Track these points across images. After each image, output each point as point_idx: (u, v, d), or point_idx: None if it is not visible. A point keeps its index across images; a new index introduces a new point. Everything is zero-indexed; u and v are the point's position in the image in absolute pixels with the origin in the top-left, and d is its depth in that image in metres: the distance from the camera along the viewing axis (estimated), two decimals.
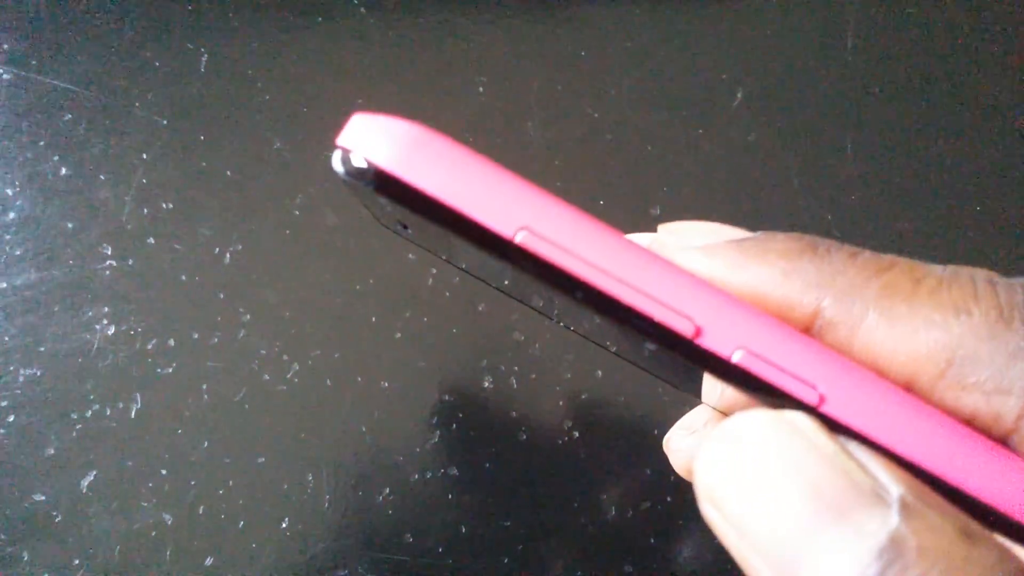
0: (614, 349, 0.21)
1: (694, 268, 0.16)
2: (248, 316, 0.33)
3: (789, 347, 0.14)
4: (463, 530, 0.32)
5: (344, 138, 0.15)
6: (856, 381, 0.14)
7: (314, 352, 0.33)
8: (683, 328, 0.14)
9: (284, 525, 0.32)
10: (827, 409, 0.14)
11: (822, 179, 0.36)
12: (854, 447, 0.14)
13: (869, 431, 0.14)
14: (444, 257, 0.20)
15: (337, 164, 0.15)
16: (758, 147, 0.37)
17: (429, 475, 0.32)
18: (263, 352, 0.33)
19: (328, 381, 0.33)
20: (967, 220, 0.36)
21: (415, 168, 0.15)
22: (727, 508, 0.14)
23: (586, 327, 0.19)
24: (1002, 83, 0.38)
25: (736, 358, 0.14)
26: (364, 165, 0.15)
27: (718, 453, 0.14)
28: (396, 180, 0.15)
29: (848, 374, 0.14)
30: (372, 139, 0.15)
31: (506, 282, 0.19)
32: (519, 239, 0.14)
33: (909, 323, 0.15)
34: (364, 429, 0.32)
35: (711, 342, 0.14)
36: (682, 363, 0.16)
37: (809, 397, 0.14)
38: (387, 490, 0.32)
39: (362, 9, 0.37)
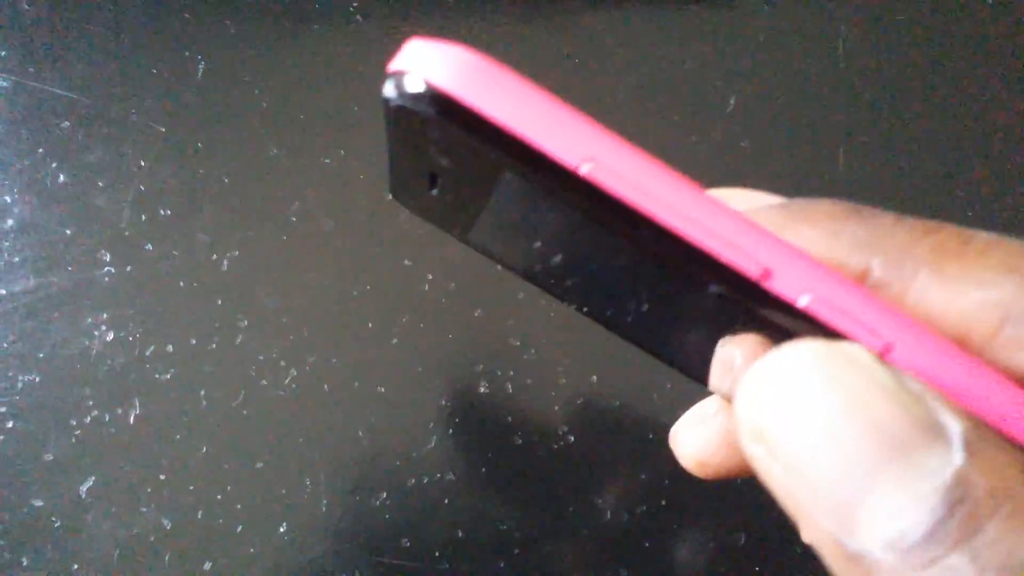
0: (623, 323, 0.20)
1: None
2: (246, 322, 0.34)
3: (855, 296, 0.14)
4: (460, 534, 0.32)
5: (400, 62, 0.14)
6: (920, 333, 0.14)
7: (311, 358, 0.33)
8: (751, 270, 0.14)
9: (282, 530, 0.32)
10: (893, 358, 0.14)
11: (814, 185, 0.37)
12: (913, 382, 0.13)
13: (932, 382, 0.14)
14: (458, 231, 0.19)
15: (390, 90, 0.14)
16: (750, 153, 0.37)
17: (426, 479, 0.32)
18: (261, 358, 0.33)
19: (326, 386, 0.33)
20: (960, 225, 0.37)
21: (478, 93, 0.14)
22: (776, 444, 0.13)
23: (602, 301, 0.19)
24: (993, 90, 0.39)
25: (803, 302, 0.14)
26: (422, 88, 0.14)
27: (766, 384, 0.13)
28: (458, 104, 0.14)
29: (912, 326, 0.14)
30: (432, 62, 0.14)
31: (528, 257, 0.18)
32: (584, 170, 0.14)
33: (961, 282, 0.15)
34: (361, 434, 0.33)
35: (780, 286, 0.14)
36: (708, 331, 0.16)
37: (875, 345, 0.14)
38: (384, 494, 0.32)
39: (359, 17, 0.38)
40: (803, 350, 0.13)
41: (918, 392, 0.13)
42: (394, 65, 0.14)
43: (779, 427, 0.13)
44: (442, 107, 0.14)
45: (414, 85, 0.14)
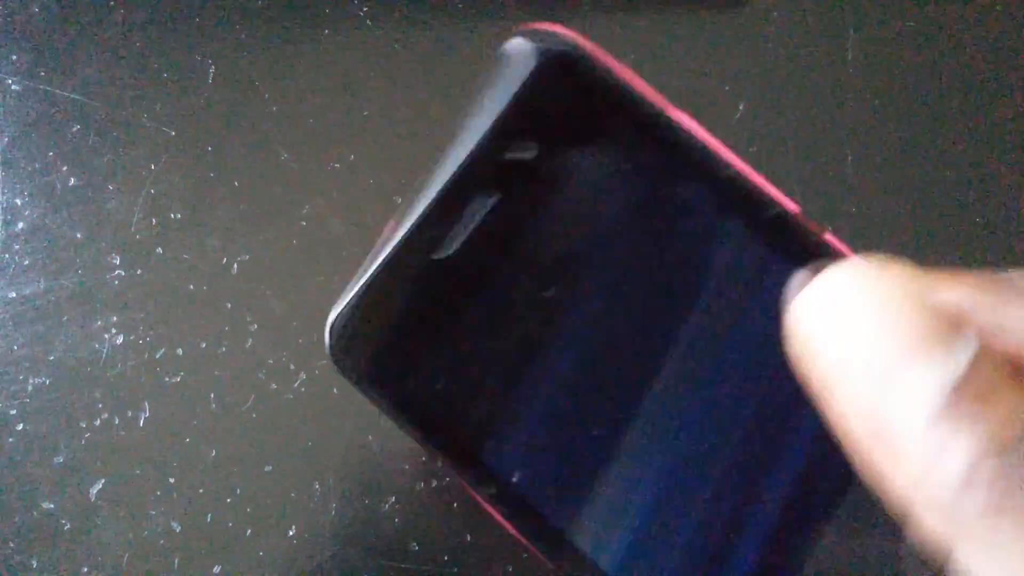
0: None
1: None
2: (255, 326, 0.34)
3: None
4: (468, 538, 0.32)
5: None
6: None
7: (321, 361, 0.33)
8: (791, 207, 0.18)
9: (291, 533, 0.32)
10: None
11: (823, 191, 0.37)
12: (941, 289, 0.14)
13: None
14: None
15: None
16: (760, 158, 0.37)
17: (435, 484, 0.32)
18: (270, 361, 0.33)
19: (335, 390, 0.33)
20: (968, 231, 0.37)
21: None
22: (821, 347, 0.14)
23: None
24: (1004, 95, 0.39)
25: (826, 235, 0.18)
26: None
27: (812, 297, 0.15)
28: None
29: None
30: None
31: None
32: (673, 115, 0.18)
33: None
34: (370, 438, 0.33)
35: (807, 220, 0.18)
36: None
37: None
38: (393, 498, 0.32)
39: (368, 21, 0.38)
40: (845, 265, 0.14)
41: (943, 297, 0.14)
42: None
43: (825, 332, 0.14)
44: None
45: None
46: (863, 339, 0.14)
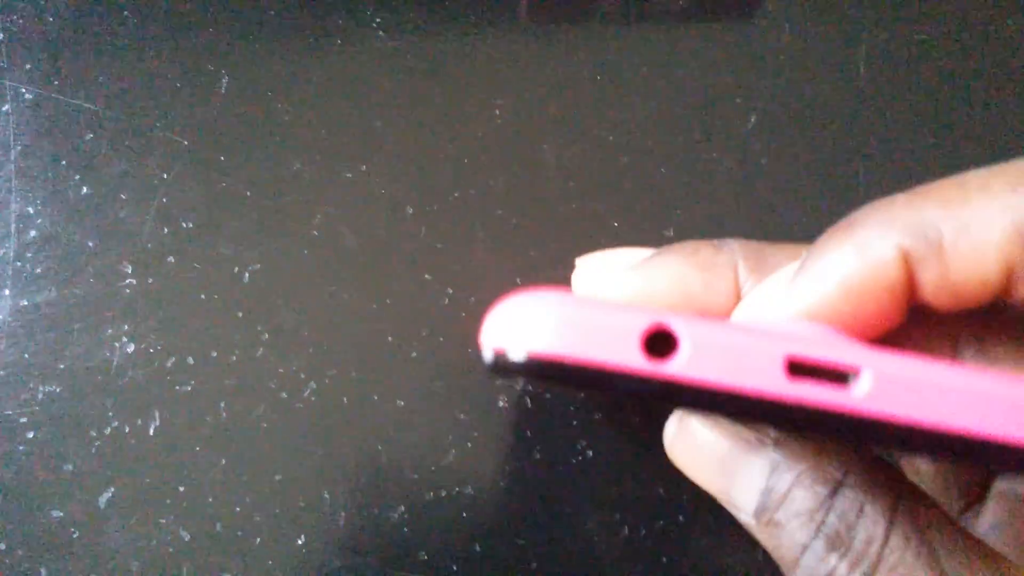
0: None
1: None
2: (266, 335, 0.34)
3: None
4: (477, 548, 0.32)
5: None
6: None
7: (331, 371, 0.33)
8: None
9: (300, 542, 0.32)
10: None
11: (833, 203, 0.37)
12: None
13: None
14: None
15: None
16: (770, 171, 0.37)
17: (444, 493, 0.32)
18: (280, 371, 0.33)
19: (345, 399, 0.33)
20: None
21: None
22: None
23: None
24: (1015, 110, 0.39)
25: None
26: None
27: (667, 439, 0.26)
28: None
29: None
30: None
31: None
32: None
33: (979, 221, 0.17)
34: (380, 447, 0.33)
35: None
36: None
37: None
38: (402, 508, 0.32)
39: (381, 32, 0.38)
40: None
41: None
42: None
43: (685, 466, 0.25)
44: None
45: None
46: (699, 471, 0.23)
